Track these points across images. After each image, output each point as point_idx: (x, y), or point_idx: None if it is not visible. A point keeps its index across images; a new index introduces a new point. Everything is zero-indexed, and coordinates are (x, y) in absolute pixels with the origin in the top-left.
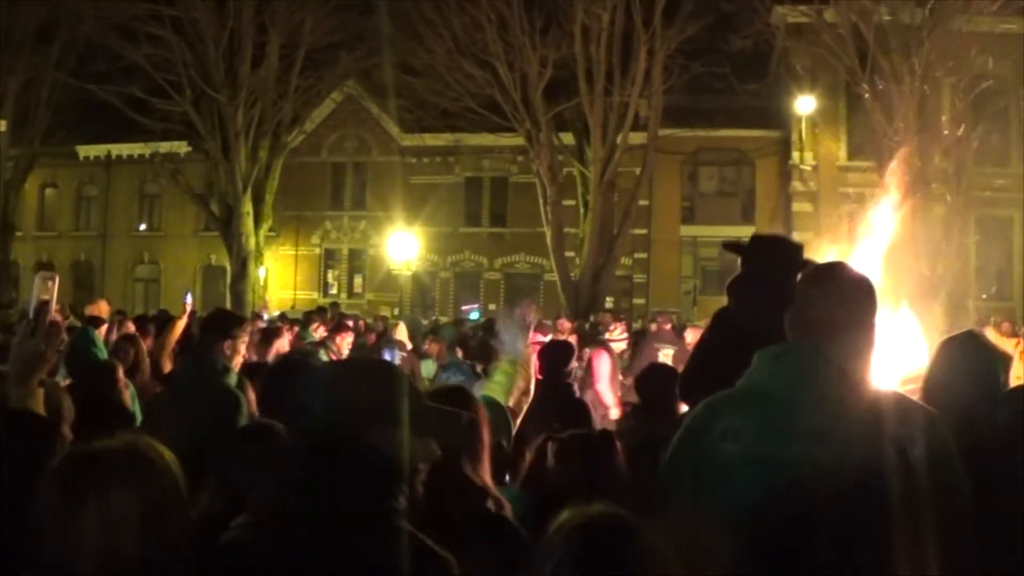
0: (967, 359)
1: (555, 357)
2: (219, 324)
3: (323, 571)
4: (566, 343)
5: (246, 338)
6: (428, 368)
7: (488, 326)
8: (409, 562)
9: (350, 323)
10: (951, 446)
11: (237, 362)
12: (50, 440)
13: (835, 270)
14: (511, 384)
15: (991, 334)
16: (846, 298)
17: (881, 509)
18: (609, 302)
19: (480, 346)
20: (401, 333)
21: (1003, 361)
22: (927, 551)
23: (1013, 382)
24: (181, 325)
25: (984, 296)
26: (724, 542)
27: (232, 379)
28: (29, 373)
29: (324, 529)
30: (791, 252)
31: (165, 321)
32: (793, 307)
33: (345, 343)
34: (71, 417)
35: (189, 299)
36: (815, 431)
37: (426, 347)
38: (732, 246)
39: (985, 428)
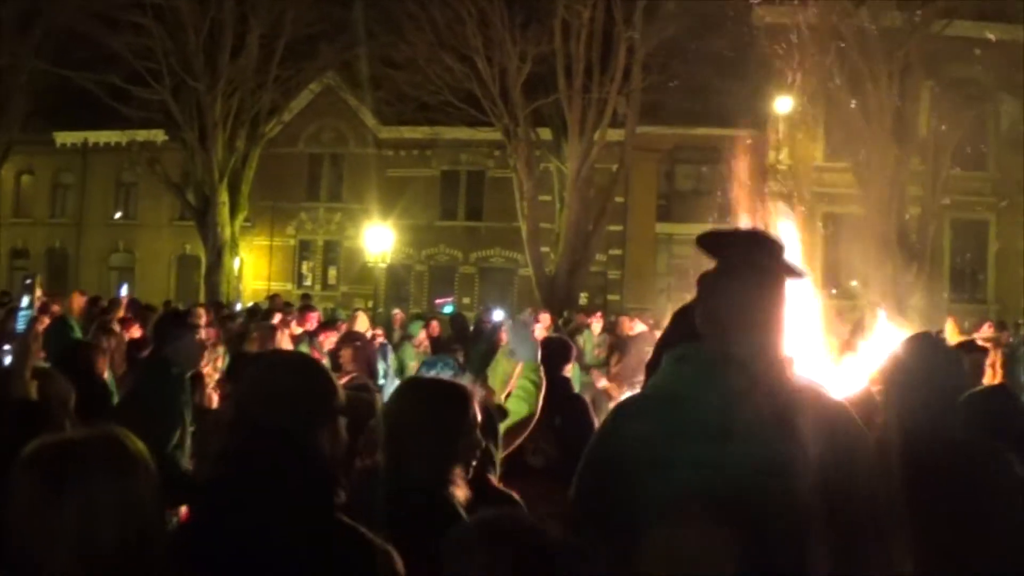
0: (923, 361)
1: (556, 354)
2: (167, 326)
3: (261, 566)
4: (565, 340)
5: (200, 331)
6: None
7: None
8: (348, 555)
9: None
10: (862, 438)
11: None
12: (43, 425)
13: (740, 262)
14: (538, 394)
15: (951, 331)
16: (751, 292)
17: (789, 506)
18: (584, 298)
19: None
20: (360, 324)
21: (960, 363)
22: (839, 547)
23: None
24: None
25: (959, 298)
26: (635, 548)
27: (185, 384)
28: (22, 365)
29: (259, 524)
30: (771, 249)
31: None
32: (700, 301)
33: (328, 342)
34: (70, 398)
35: (124, 291)
36: (720, 431)
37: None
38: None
39: (941, 431)
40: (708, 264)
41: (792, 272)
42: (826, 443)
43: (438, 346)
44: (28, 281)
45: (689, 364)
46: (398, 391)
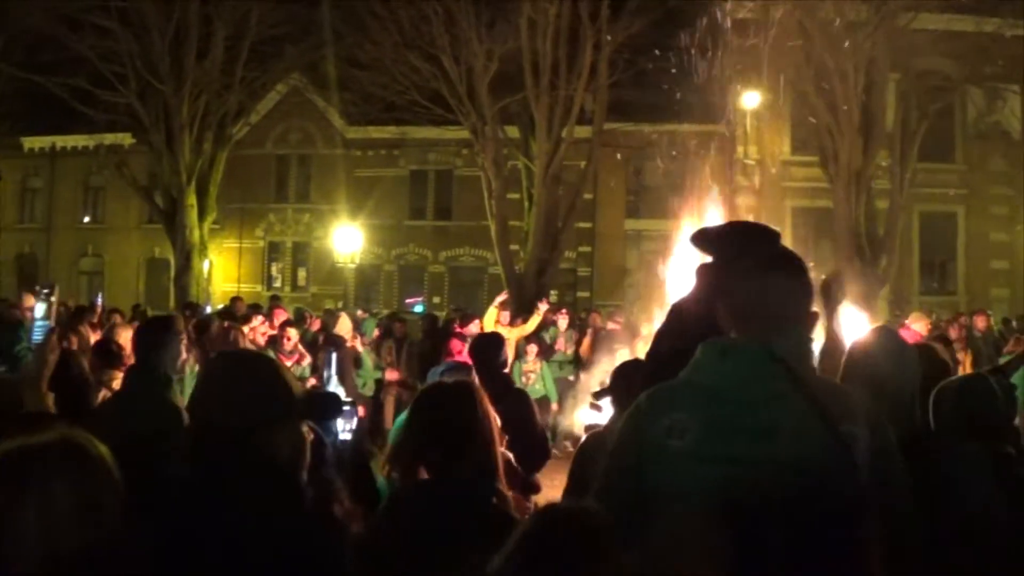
0: (881, 355)
1: (488, 349)
2: (151, 335)
3: (218, 566)
4: (494, 334)
5: (182, 336)
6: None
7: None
8: (313, 554)
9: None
10: (893, 440)
11: (180, 365)
12: None
13: (775, 261)
14: None
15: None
16: (790, 290)
17: (831, 506)
18: (554, 295)
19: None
20: (343, 327)
21: (916, 358)
22: (874, 547)
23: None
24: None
25: (928, 291)
26: (661, 536)
27: (174, 390)
28: (40, 376)
29: (217, 525)
30: (770, 239)
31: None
32: (732, 298)
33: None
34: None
35: (100, 300)
36: (764, 429)
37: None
38: (702, 240)
39: (898, 425)
40: (680, 260)
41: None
42: (862, 444)
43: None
44: (45, 291)
45: (732, 359)
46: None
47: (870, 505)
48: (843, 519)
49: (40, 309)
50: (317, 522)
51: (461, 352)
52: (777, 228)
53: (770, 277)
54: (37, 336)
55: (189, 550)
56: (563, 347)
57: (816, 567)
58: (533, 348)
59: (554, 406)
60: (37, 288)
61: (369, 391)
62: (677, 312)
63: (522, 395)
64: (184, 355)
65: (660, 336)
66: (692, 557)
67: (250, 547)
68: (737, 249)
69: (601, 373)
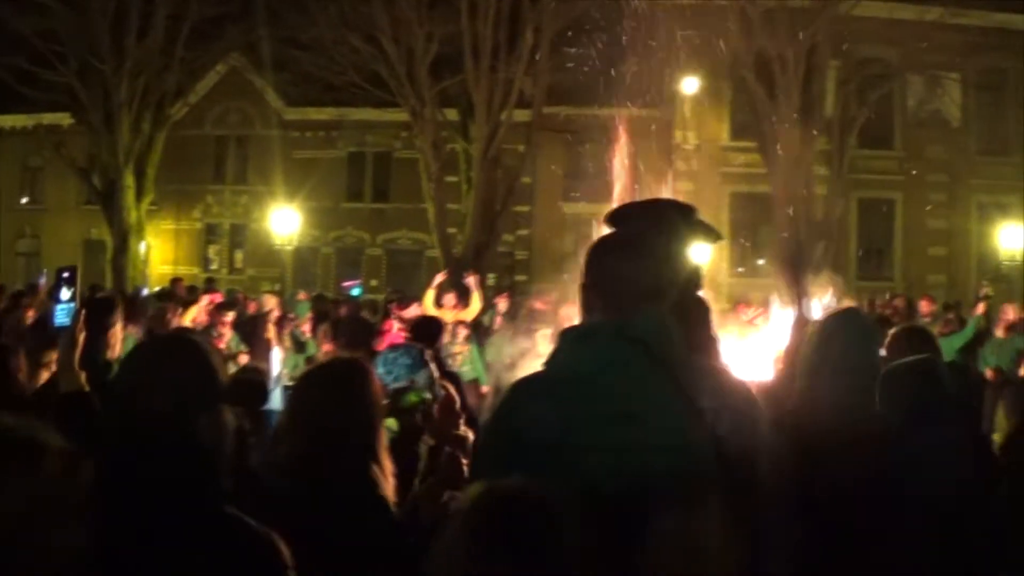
0: (840, 337)
1: (427, 331)
2: (95, 317)
3: (143, 556)
4: (435, 318)
5: (120, 323)
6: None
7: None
8: (234, 545)
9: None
10: (761, 418)
11: (116, 350)
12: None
13: (624, 239)
14: None
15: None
16: (644, 268)
17: (693, 487)
18: (491, 279)
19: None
20: (268, 305)
21: (876, 339)
22: (739, 528)
23: None
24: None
25: (866, 276)
26: None
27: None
28: (71, 358)
29: (141, 514)
30: (674, 214)
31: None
32: (589, 278)
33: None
34: None
35: (43, 279)
36: (626, 413)
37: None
38: (613, 217)
39: (855, 407)
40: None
41: (704, 233)
42: (729, 423)
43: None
44: (66, 274)
45: (588, 343)
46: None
47: (734, 486)
48: (715, 496)
49: (66, 292)
50: (234, 510)
51: (390, 330)
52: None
53: (619, 255)
54: (62, 319)
55: (105, 533)
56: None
57: (676, 549)
58: (463, 330)
59: (484, 388)
60: (66, 274)
61: None
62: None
63: (454, 377)
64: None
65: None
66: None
67: (166, 533)
68: (628, 227)
69: (517, 351)
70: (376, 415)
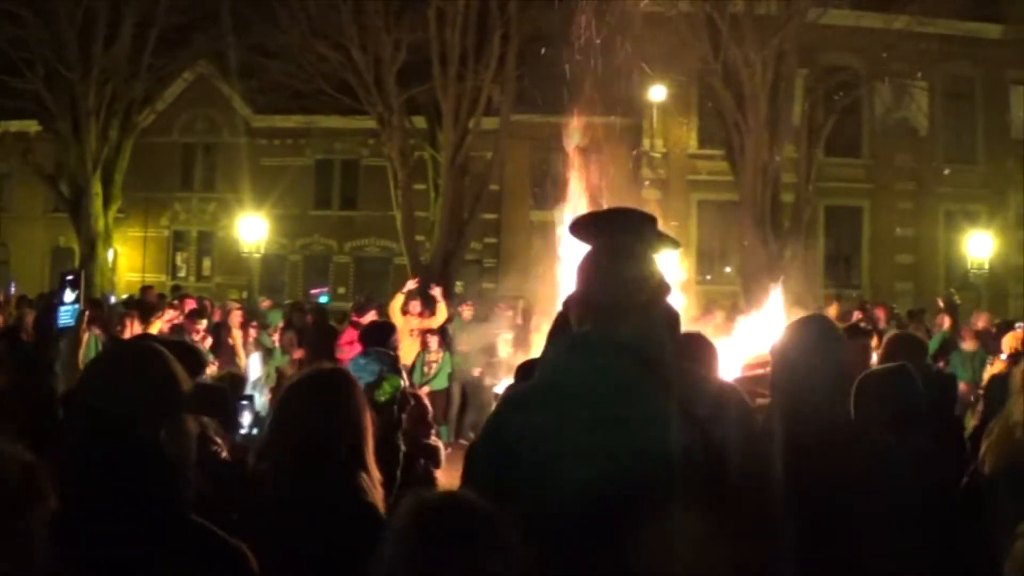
0: (811, 344)
1: (377, 335)
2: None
3: (105, 564)
4: (385, 322)
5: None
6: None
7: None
8: (198, 554)
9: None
10: (751, 425)
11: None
12: None
13: (610, 251)
14: None
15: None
16: (633, 277)
17: (683, 494)
18: (459, 286)
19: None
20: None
21: (862, 343)
22: (732, 535)
23: None
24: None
25: (833, 284)
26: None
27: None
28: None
29: (106, 524)
30: (645, 224)
31: None
32: (578, 289)
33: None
34: None
35: (12, 288)
36: (616, 420)
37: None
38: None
39: (828, 413)
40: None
41: (666, 242)
42: (719, 429)
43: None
44: (70, 277)
45: (579, 353)
46: None
47: (724, 492)
48: (707, 502)
49: (69, 295)
50: (198, 524)
51: (352, 341)
52: (647, 212)
53: (608, 264)
54: (66, 320)
55: (66, 540)
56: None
57: (669, 555)
58: (435, 339)
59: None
60: (69, 277)
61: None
62: (564, 309)
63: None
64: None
65: (550, 335)
66: (558, 555)
67: (128, 541)
68: (592, 237)
69: (484, 356)
70: (364, 423)
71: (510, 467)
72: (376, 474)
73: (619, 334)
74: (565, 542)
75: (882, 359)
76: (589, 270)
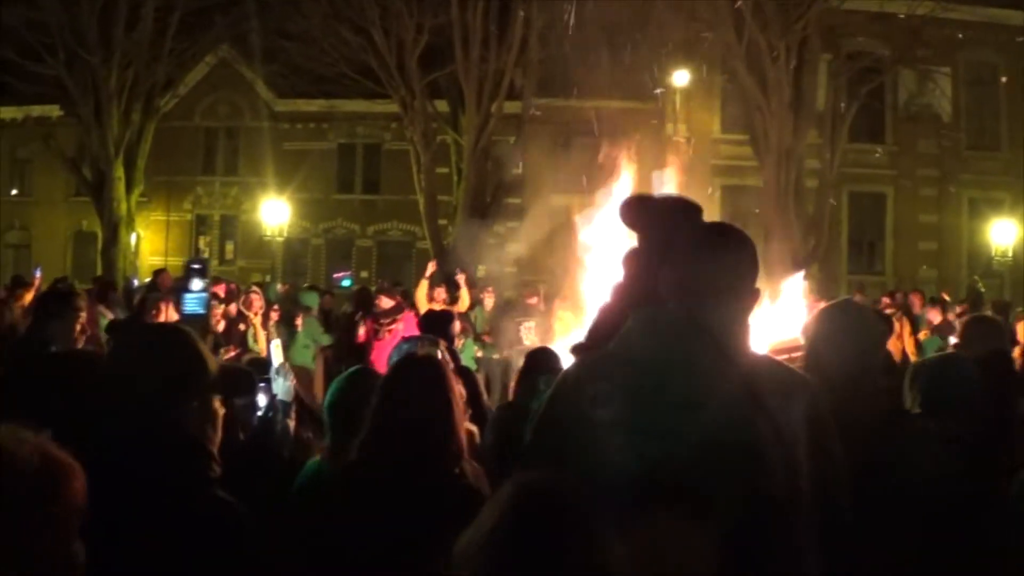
0: (848, 326)
1: (437, 325)
2: (50, 305)
3: (137, 545)
4: (445, 311)
5: (82, 317)
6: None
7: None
8: (223, 529)
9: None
10: (826, 414)
11: (76, 342)
12: None
13: (719, 233)
14: None
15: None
16: (729, 262)
17: (753, 479)
18: (481, 271)
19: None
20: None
21: (882, 329)
22: (801, 522)
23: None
24: (28, 297)
25: (856, 270)
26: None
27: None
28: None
29: (134, 500)
30: (691, 213)
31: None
32: (670, 269)
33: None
34: None
35: (38, 273)
36: (685, 401)
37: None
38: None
39: (866, 398)
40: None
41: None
42: (789, 417)
43: (330, 321)
44: (197, 265)
45: (657, 328)
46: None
47: (800, 482)
48: (770, 495)
49: (197, 283)
50: (223, 500)
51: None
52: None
53: (708, 250)
54: (193, 307)
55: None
56: (488, 328)
57: (743, 542)
58: (457, 324)
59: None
60: (196, 266)
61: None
62: (617, 292)
63: (469, 372)
64: (84, 333)
65: (602, 312)
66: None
67: (154, 517)
68: (672, 222)
69: (506, 344)
70: (459, 410)
71: (578, 431)
72: (476, 465)
73: (700, 316)
74: (627, 513)
75: (960, 343)
76: (686, 253)
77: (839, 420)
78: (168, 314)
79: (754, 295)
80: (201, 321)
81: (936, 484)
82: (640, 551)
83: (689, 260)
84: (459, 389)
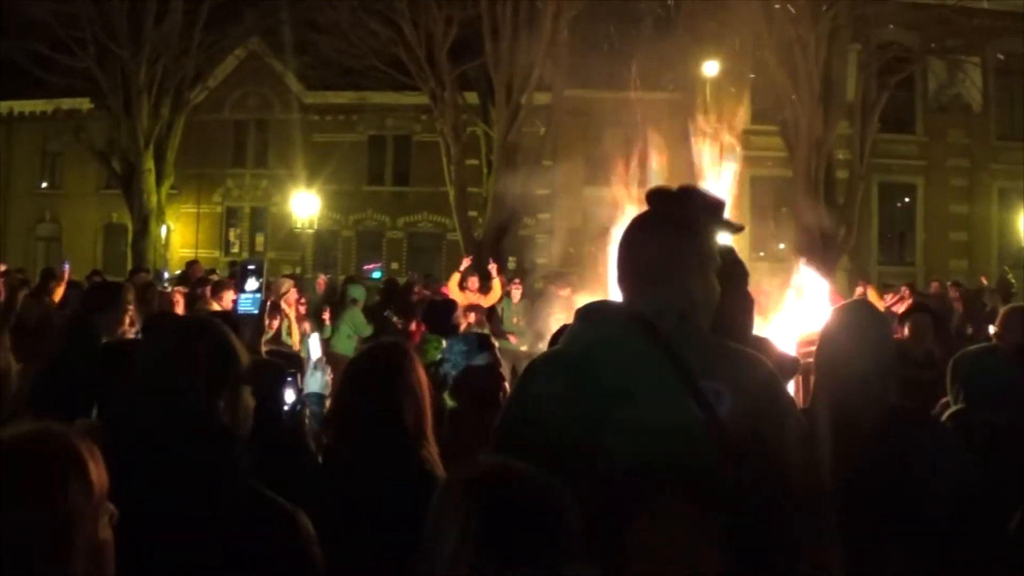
0: (860, 327)
1: (440, 315)
2: (100, 298)
3: (169, 534)
4: (446, 299)
5: (130, 310)
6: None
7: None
8: (255, 517)
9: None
10: (778, 394)
11: (121, 333)
12: None
13: (646, 217)
14: None
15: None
16: (657, 246)
17: (694, 472)
18: (512, 262)
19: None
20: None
21: (890, 330)
22: (735, 509)
23: None
24: (59, 291)
25: (887, 261)
26: None
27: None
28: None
29: (160, 489)
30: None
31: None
32: (618, 254)
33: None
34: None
35: (67, 266)
36: (622, 391)
37: None
38: (657, 195)
39: (872, 401)
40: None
41: (724, 226)
42: (741, 406)
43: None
44: (252, 266)
45: (593, 321)
46: None
47: (743, 467)
48: (709, 481)
49: (252, 283)
50: (255, 489)
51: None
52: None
53: (634, 234)
54: (247, 307)
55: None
56: (516, 320)
57: (685, 532)
58: (473, 315)
59: None
60: (251, 267)
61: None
62: None
63: (493, 369)
64: (126, 326)
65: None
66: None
67: (186, 510)
68: (652, 209)
69: (534, 337)
70: (422, 397)
71: (528, 432)
72: (434, 447)
73: (634, 305)
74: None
75: (998, 334)
76: (624, 238)
77: (844, 418)
78: (183, 306)
79: (705, 280)
80: (255, 321)
81: (947, 481)
82: (595, 540)
83: (622, 246)
84: (422, 376)
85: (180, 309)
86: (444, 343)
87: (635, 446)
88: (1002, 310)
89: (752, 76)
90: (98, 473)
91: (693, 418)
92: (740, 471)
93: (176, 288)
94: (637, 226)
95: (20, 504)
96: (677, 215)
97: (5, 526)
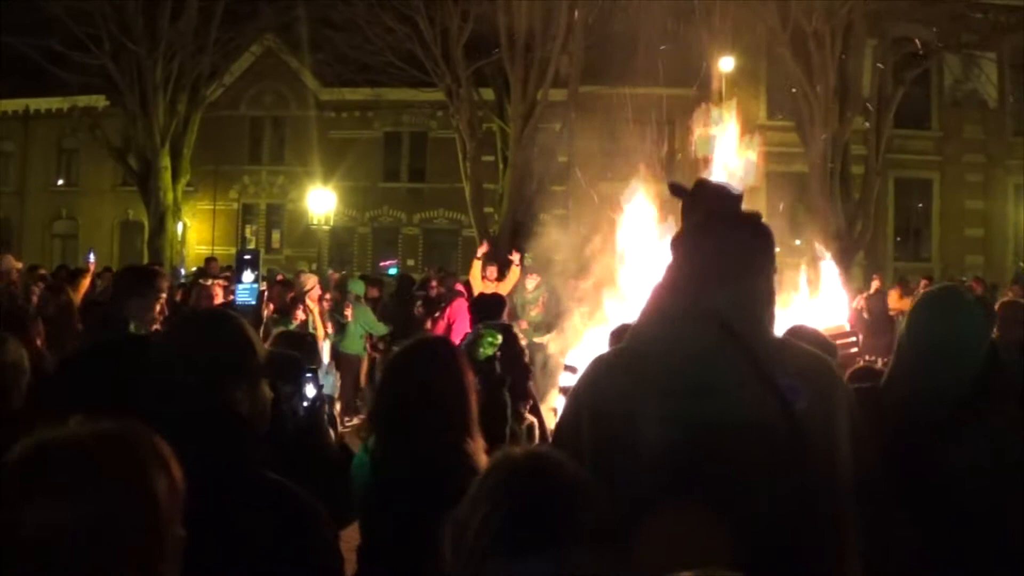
0: (956, 319)
1: (491, 307)
2: (131, 282)
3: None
4: (496, 294)
5: (162, 298)
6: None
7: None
8: (274, 507)
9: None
10: (844, 394)
11: (152, 320)
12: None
13: (717, 216)
14: None
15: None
16: (730, 246)
17: (764, 465)
18: (528, 258)
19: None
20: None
21: (986, 322)
22: (811, 504)
23: None
24: (85, 283)
25: (903, 256)
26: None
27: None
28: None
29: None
30: (732, 200)
31: (69, 276)
32: (673, 255)
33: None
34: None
35: (92, 258)
36: (699, 387)
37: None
38: (678, 188)
39: (945, 397)
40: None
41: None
42: (813, 402)
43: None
44: (247, 257)
45: (667, 319)
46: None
47: (818, 461)
48: (787, 476)
49: (248, 275)
50: (274, 480)
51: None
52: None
53: (706, 234)
54: (245, 298)
55: None
56: (533, 311)
57: (763, 527)
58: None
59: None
60: (247, 257)
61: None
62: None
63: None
64: (157, 313)
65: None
66: (635, 519)
67: (204, 502)
68: (691, 206)
69: (546, 328)
70: (465, 391)
71: (594, 427)
72: (480, 440)
73: (706, 303)
74: (637, 508)
75: (998, 329)
76: (687, 239)
77: (906, 413)
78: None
79: (768, 280)
80: (252, 311)
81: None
82: (663, 538)
83: (691, 244)
84: (466, 371)
85: (219, 300)
86: (499, 338)
87: (708, 439)
88: (998, 305)
89: (768, 72)
90: (179, 471)
91: (773, 413)
92: (815, 465)
93: (216, 281)
94: (709, 226)
95: (115, 499)
96: (747, 217)
97: (101, 519)
